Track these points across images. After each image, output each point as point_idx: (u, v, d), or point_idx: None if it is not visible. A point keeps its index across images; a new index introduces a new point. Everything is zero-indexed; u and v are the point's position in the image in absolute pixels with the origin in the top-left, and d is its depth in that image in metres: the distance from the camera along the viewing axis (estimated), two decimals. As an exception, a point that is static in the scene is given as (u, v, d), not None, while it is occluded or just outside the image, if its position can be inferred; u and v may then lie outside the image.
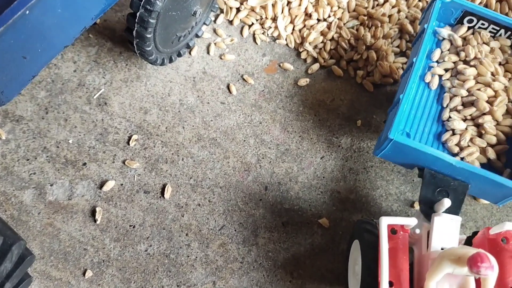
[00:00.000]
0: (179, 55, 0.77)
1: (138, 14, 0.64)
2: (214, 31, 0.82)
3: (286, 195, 0.72)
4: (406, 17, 0.81)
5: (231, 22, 0.82)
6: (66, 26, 0.60)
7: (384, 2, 0.80)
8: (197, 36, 0.78)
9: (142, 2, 0.63)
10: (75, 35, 0.62)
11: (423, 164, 0.63)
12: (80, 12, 0.61)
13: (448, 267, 0.50)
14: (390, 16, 0.80)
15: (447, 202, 0.59)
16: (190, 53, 0.79)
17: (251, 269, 0.68)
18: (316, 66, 0.79)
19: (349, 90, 0.79)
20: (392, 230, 0.56)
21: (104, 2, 0.63)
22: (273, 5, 0.80)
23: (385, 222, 0.54)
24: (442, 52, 0.70)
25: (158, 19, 0.65)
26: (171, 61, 0.75)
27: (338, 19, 0.80)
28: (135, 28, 0.65)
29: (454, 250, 0.50)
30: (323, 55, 0.79)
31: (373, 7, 0.80)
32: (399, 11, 0.80)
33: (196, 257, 0.68)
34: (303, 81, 0.78)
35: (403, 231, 0.56)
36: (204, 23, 0.78)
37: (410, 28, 0.80)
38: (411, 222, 0.54)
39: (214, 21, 0.82)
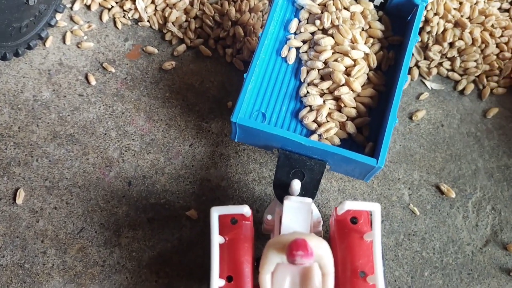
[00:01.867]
0: (29, 47, 0.70)
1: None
2: (71, 18, 0.75)
3: (151, 189, 0.67)
4: (276, -13, 0.75)
5: (89, 7, 0.76)
6: None
7: (250, -27, 0.75)
8: (50, 25, 0.72)
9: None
10: None
11: (276, 145, 0.59)
12: None
13: (275, 257, 0.46)
14: (258, -13, 0.75)
15: (296, 184, 0.55)
16: (44, 44, 0.73)
17: (113, 272, 0.63)
18: (182, 48, 0.74)
19: (219, 71, 0.74)
20: (232, 220, 0.52)
21: None
22: (131, -16, 0.74)
23: (215, 213, 0.50)
24: (300, 22, 0.65)
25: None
26: (17, 54, 0.69)
27: (200, -6, 0.74)
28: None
29: (279, 238, 0.46)
30: (188, 35, 0.73)
31: (237, -21, 0.75)
32: (267, -19, 0.75)
33: (53, 265, 0.63)
34: (169, 65, 0.73)
35: (244, 219, 0.52)
36: (56, 10, 0.72)
37: (281, -2, 0.74)
38: (241, 210, 0.50)
39: (71, 8, 0.76)
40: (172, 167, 0.68)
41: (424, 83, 0.74)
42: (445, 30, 0.70)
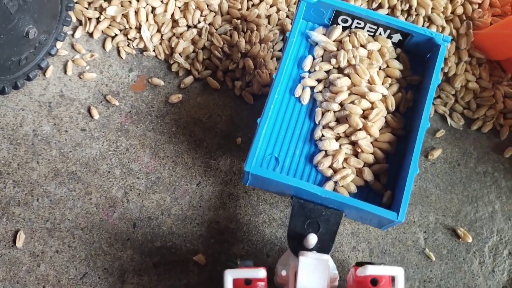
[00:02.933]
0: (28, 79, 0.67)
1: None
2: (72, 46, 0.72)
3: (157, 231, 0.65)
4: (287, 17, 0.72)
5: (91, 34, 0.72)
6: None
7: (260, 2, 0.71)
8: (50, 54, 0.69)
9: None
10: None
11: (290, 193, 0.56)
12: None
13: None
14: (269, 17, 0.72)
15: (312, 239, 0.53)
16: (44, 74, 0.70)
17: (117, 320, 0.61)
18: (189, 79, 0.71)
19: (227, 104, 0.71)
20: (246, 281, 0.50)
21: None
22: (136, 12, 0.71)
23: (229, 277, 0.47)
24: (314, 59, 0.62)
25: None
26: (16, 87, 0.66)
27: (209, 24, 0.71)
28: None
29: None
30: (196, 66, 0.70)
31: (247, 9, 0.71)
32: (278, 11, 0.72)
33: (54, 313, 0.60)
34: (175, 98, 0.70)
35: (258, 280, 0.50)
36: (57, 39, 0.68)
37: (292, 28, 0.71)
38: (257, 274, 0.47)
39: (72, 35, 0.72)
40: (178, 207, 0.66)
41: (442, 119, 0.71)
42: (456, 75, 0.68)
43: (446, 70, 0.69)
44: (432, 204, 0.67)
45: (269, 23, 0.71)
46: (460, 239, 0.66)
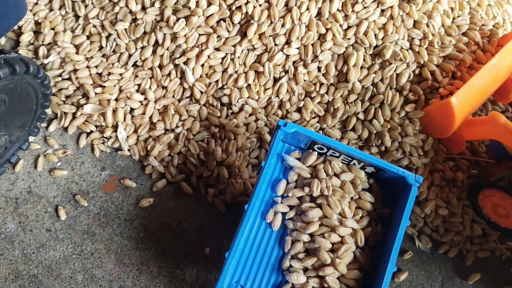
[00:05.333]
0: (-3, 174, 0.66)
1: None
2: (45, 139, 0.71)
3: None
4: (266, 125, 0.73)
5: (66, 129, 0.71)
6: None
7: (239, 111, 0.72)
8: (21, 149, 0.67)
9: None
10: None
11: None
12: None
13: None
14: (247, 125, 0.72)
15: None
16: (14, 168, 0.68)
17: None
18: (162, 183, 0.70)
19: (199, 211, 0.70)
20: None
21: None
22: (114, 111, 0.70)
23: None
24: (288, 183, 0.62)
25: None
26: (-18, 185, 0.64)
27: (187, 129, 0.71)
28: None
29: None
30: (170, 170, 0.70)
31: (226, 116, 0.71)
32: (257, 120, 0.72)
33: None
34: (146, 202, 0.69)
35: None
36: (30, 134, 0.67)
37: (269, 137, 0.72)
38: None
39: (46, 128, 0.71)
40: (140, 319, 0.64)
41: (410, 240, 0.72)
42: (427, 200, 0.69)
43: (417, 194, 0.70)
44: (396, 329, 0.68)
45: (247, 130, 0.72)
46: None
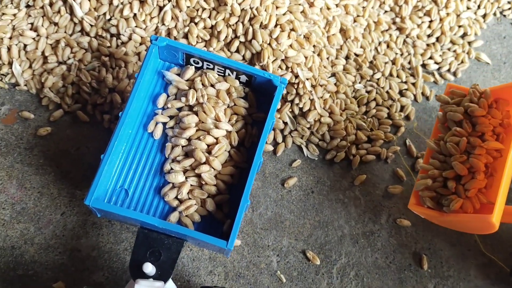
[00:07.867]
0: None
1: None
2: None
3: (20, 260, 0.67)
4: (157, 54, 0.77)
5: (-38, 69, 0.75)
6: None
7: (129, 40, 0.76)
8: None
9: None
10: None
11: (136, 224, 0.60)
12: None
13: None
14: (139, 54, 0.76)
15: (147, 267, 0.56)
16: None
17: None
18: (59, 113, 0.74)
19: (96, 137, 0.75)
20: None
21: None
22: (9, 49, 0.74)
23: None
24: (168, 97, 0.67)
25: None
26: None
27: (78, 60, 0.74)
28: None
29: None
30: (66, 100, 0.74)
31: (117, 46, 0.76)
32: (147, 48, 0.76)
33: None
34: (44, 131, 0.73)
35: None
36: None
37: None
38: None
39: None
40: (42, 237, 0.68)
41: (299, 150, 0.77)
42: (310, 110, 0.74)
43: (301, 106, 0.75)
44: (286, 229, 0.73)
45: (139, 59, 0.76)
46: (310, 262, 0.71)
